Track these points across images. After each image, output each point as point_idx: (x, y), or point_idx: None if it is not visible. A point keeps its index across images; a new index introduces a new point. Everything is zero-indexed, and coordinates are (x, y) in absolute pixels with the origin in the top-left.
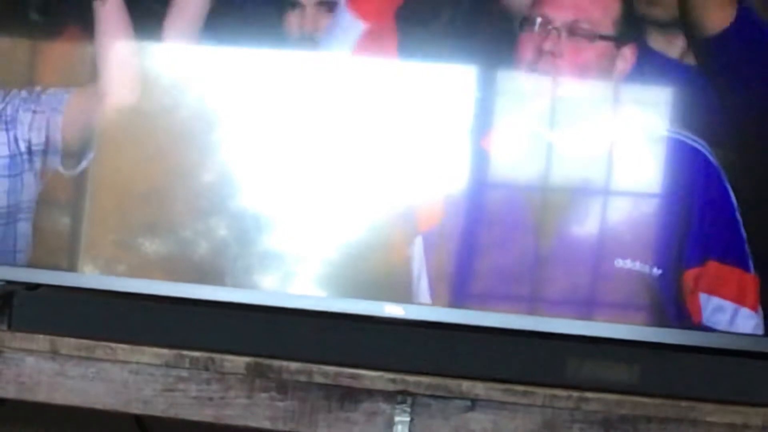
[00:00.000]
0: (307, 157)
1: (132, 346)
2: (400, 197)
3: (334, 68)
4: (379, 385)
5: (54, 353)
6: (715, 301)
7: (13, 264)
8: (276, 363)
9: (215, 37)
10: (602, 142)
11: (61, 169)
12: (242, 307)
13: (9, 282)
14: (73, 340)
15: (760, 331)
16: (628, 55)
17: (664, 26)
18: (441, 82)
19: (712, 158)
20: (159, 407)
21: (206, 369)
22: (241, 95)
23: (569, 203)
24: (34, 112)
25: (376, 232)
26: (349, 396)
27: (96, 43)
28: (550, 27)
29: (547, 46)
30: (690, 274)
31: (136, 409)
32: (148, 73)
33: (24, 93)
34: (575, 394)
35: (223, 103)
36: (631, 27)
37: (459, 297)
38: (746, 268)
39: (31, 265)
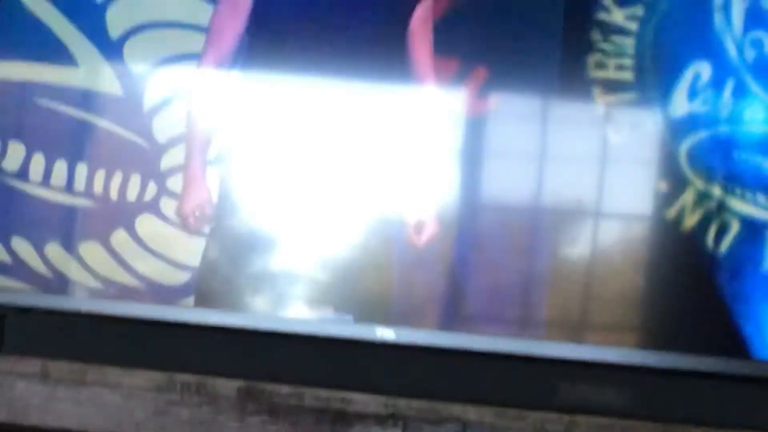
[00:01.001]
0: (298, 179)
1: (123, 370)
2: (392, 219)
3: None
4: (371, 409)
5: (45, 377)
6: None
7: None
8: (268, 387)
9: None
10: (595, 164)
11: None
12: (234, 330)
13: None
14: (64, 364)
15: None
16: None
17: None
18: (433, 104)
19: None
20: (151, 431)
21: (198, 393)
22: (241, 118)
23: (561, 225)
24: None
25: (367, 254)
26: (340, 419)
27: None
28: None
29: None
30: None
31: None
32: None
33: None
34: (567, 417)
35: (218, 124)
36: None
37: (450, 319)
38: None
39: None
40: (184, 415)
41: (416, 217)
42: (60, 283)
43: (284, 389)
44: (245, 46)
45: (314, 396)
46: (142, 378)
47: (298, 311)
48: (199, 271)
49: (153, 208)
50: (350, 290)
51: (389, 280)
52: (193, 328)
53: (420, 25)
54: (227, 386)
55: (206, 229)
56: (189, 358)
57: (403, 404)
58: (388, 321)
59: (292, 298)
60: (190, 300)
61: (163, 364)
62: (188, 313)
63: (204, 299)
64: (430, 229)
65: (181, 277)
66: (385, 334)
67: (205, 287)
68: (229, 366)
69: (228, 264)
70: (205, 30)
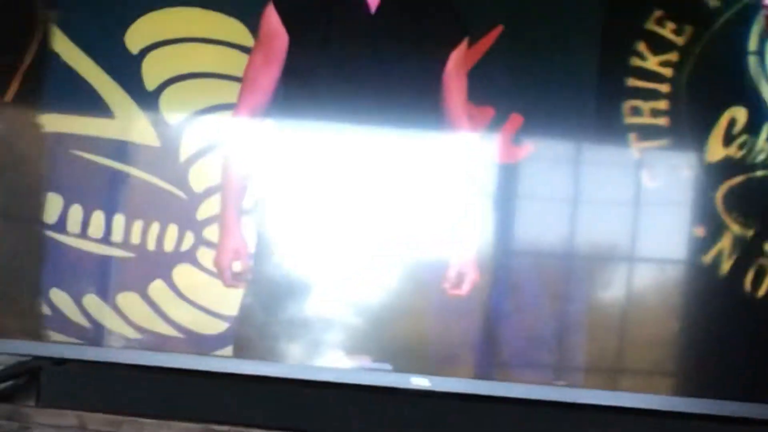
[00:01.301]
0: (334, 226)
1: (159, 421)
2: (427, 266)
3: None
4: None
5: (82, 428)
6: None
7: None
8: None
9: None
10: (630, 209)
11: None
12: (268, 379)
13: (36, 357)
14: (100, 416)
15: None
16: None
17: None
18: (468, 151)
19: None
20: None
21: None
22: (276, 166)
23: (597, 270)
24: None
25: (403, 302)
26: None
27: None
28: None
29: None
30: None
31: None
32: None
33: None
34: None
35: (254, 173)
36: None
37: (486, 367)
38: None
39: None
40: None
41: (456, 268)
42: (98, 333)
43: None
44: (280, 95)
45: None
46: (177, 429)
47: (333, 360)
48: (238, 321)
49: (190, 257)
50: (387, 338)
51: (425, 328)
52: (229, 377)
53: (454, 72)
54: None
55: (243, 282)
56: (225, 408)
57: None
58: (424, 369)
59: (328, 347)
60: (229, 350)
61: (198, 414)
62: (224, 363)
63: (242, 349)
64: (471, 279)
65: (219, 327)
66: (420, 382)
67: (243, 336)
68: (264, 415)
69: (266, 313)
70: (240, 80)
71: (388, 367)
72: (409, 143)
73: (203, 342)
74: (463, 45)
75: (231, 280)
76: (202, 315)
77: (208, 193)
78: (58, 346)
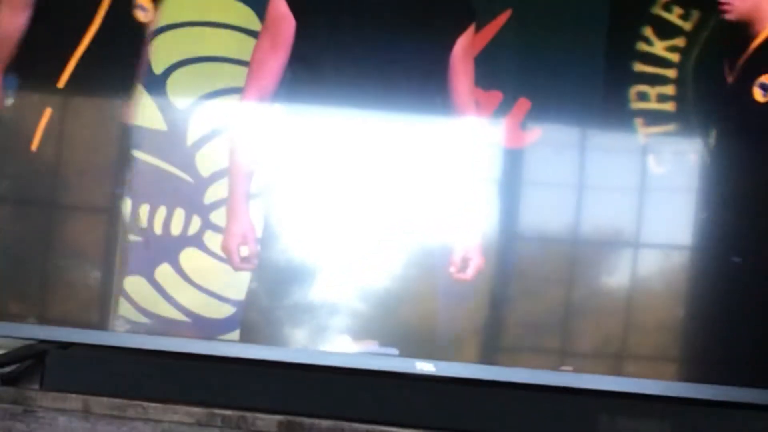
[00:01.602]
0: (341, 212)
1: (164, 405)
2: (432, 251)
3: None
4: None
5: (86, 412)
6: None
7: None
8: (307, 421)
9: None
10: (634, 195)
11: None
12: (273, 364)
13: (41, 341)
14: (105, 399)
15: None
16: None
17: None
18: (474, 136)
19: None
20: None
21: (238, 427)
22: (282, 151)
23: (600, 255)
24: None
25: (409, 287)
26: None
27: None
28: None
29: None
30: None
31: None
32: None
33: None
34: None
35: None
36: None
37: (490, 352)
38: None
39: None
40: None
41: (462, 253)
42: (103, 317)
43: (324, 423)
44: (287, 79)
45: (354, 430)
46: (182, 413)
47: (339, 344)
48: (245, 305)
49: (197, 242)
50: (392, 323)
51: (431, 313)
52: (234, 362)
53: (461, 58)
54: (268, 421)
55: (251, 265)
56: (229, 393)
57: None
58: (429, 354)
59: (333, 331)
60: (235, 334)
61: (203, 398)
62: (229, 347)
63: (249, 333)
64: (476, 264)
65: (225, 311)
66: (425, 367)
67: (250, 321)
68: (269, 400)
69: (272, 298)
70: (247, 64)
71: (394, 351)
72: (415, 128)
73: (210, 326)
74: (471, 30)
75: (239, 264)
76: (208, 299)
77: (216, 177)
78: (64, 329)
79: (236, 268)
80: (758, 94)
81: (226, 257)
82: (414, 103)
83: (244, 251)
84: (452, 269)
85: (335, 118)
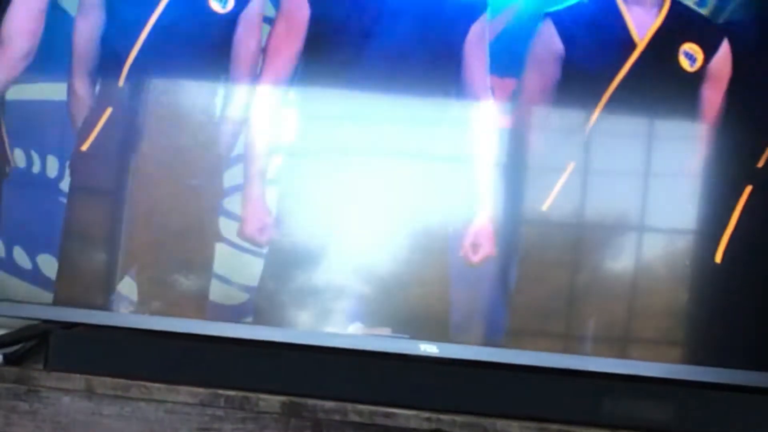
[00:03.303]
0: (353, 196)
1: (167, 385)
2: (436, 233)
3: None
4: (414, 424)
5: (90, 392)
6: None
7: (49, 303)
8: (311, 402)
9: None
10: (638, 177)
11: None
12: (277, 345)
13: (45, 321)
14: (108, 379)
15: None
16: None
17: None
18: (476, 118)
19: None
20: None
21: (241, 408)
22: (297, 136)
23: (605, 239)
24: None
25: (411, 269)
26: None
27: None
28: None
29: None
30: None
31: None
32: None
33: None
34: None
35: (266, 137)
36: None
37: (495, 334)
38: None
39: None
40: (227, 430)
41: (470, 237)
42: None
43: (327, 405)
44: (302, 65)
45: (357, 411)
46: (186, 393)
47: (343, 326)
48: (258, 291)
49: None
50: (397, 305)
51: (437, 296)
52: (238, 343)
53: (474, 44)
54: (271, 402)
55: (264, 249)
56: (233, 374)
57: (446, 419)
58: (433, 336)
59: (339, 314)
60: (249, 320)
61: (207, 379)
62: (232, 328)
63: (262, 319)
64: (484, 247)
65: (239, 298)
66: (429, 349)
67: (263, 307)
68: (272, 381)
69: (280, 281)
70: (263, 50)
71: (405, 337)
72: (427, 114)
73: (225, 312)
74: (484, 17)
75: (258, 245)
76: (221, 285)
77: (230, 163)
78: (67, 310)
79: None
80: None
81: (247, 243)
82: (427, 89)
83: (261, 236)
84: (461, 254)
85: (348, 104)
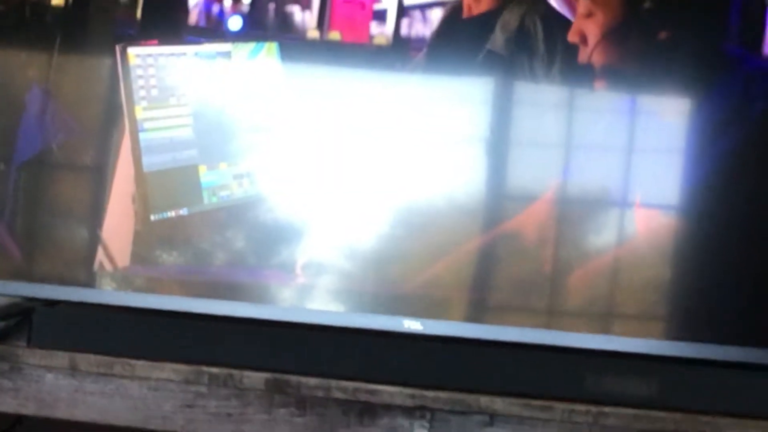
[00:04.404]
0: (326, 169)
1: (151, 363)
2: (418, 209)
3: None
4: (398, 401)
5: (73, 370)
6: None
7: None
8: (294, 379)
9: None
10: (622, 152)
11: None
12: (261, 322)
13: (27, 298)
14: (92, 357)
15: None
16: None
17: None
18: (457, 91)
19: None
20: (178, 423)
21: (225, 385)
22: (267, 105)
23: (588, 214)
24: None
25: (394, 245)
26: (367, 411)
27: None
28: None
29: None
30: None
31: (155, 425)
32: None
33: None
34: (594, 408)
35: (244, 111)
36: None
37: (477, 311)
38: None
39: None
40: (211, 407)
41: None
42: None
43: (312, 381)
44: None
45: (341, 388)
46: (169, 370)
47: (324, 303)
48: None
49: None
50: (378, 282)
51: (419, 272)
52: (221, 320)
53: None
54: (255, 378)
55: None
56: (217, 351)
57: (430, 396)
58: (415, 312)
59: (321, 290)
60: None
61: (190, 356)
62: (216, 305)
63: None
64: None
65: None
66: (412, 325)
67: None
68: (256, 358)
69: (261, 255)
70: None
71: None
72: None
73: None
74: None
75: None
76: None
77: None
78: (50, 287)
79: None
80: None
81: None
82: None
83: None
84: (439, 230)
85: (333, 78)
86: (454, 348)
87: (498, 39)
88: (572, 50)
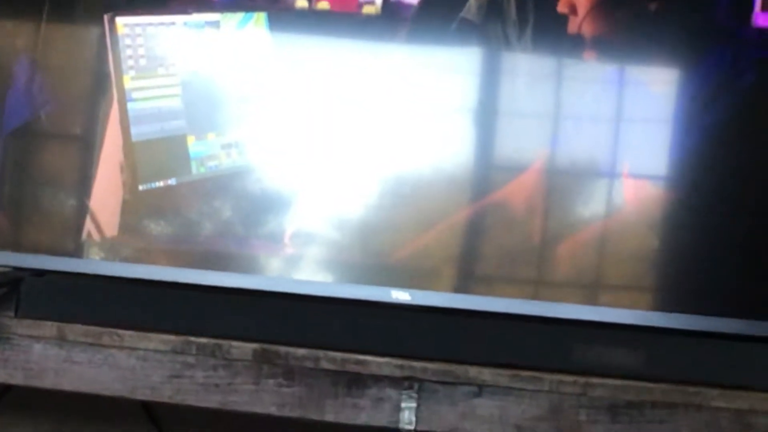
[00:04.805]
0: (314, 139)
1: (139, 333)
2: (407, 180)
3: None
4: (386, 371)
5: (61, 340)
6: None
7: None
8: (283, 349)
9: None
10: (610, 123)
11: None
12: (249, 292)
13: (16, 268)
14: (80, 327)
15: None
16: None
17: None
18: (445, 65)
19: None
20: (166, 393)
21: (213, 355)
22: (255, 75)
23: (576, 185)
24: None
25: (382, 216)
26: (356, 382)
27: None
28: None
29: None
30: None
31: (143, 395)
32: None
33: None
34: (581, 379)
35: (232, 81)
36: None
37: (465, 281)
38: None
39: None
40: (199, 377)
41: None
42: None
43: (300, 352)
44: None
45: (329, 359)
46: (157, 341)
47: (313, 273)
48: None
49: None
50: (366, 252)
51: (407, 243)
52: (209, 290)
53: None
54: (243, 349)
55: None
56: (205, 321)
57: (418, 366)
58: (403, 283)
59: (309, 260)
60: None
61: (178, 326)
62: (204, 275)
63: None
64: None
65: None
66: (401, 296)
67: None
68: (244, 328)
69: (249, 226)
70: None
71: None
72: (392, 61)
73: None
74: None
75: None
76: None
77: None
78: (39, 257)
79: None
80: None
81: None
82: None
83: None
84: (427, 200)
85: (321, 48)
86: (442, 319)
87: (472, 7)
88: (562, 20)
